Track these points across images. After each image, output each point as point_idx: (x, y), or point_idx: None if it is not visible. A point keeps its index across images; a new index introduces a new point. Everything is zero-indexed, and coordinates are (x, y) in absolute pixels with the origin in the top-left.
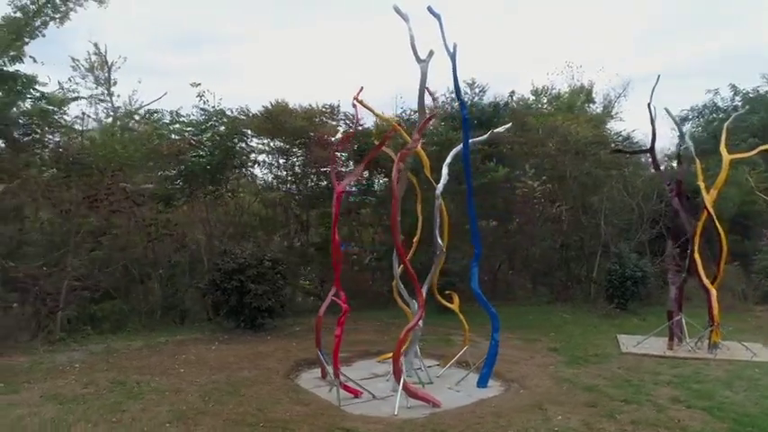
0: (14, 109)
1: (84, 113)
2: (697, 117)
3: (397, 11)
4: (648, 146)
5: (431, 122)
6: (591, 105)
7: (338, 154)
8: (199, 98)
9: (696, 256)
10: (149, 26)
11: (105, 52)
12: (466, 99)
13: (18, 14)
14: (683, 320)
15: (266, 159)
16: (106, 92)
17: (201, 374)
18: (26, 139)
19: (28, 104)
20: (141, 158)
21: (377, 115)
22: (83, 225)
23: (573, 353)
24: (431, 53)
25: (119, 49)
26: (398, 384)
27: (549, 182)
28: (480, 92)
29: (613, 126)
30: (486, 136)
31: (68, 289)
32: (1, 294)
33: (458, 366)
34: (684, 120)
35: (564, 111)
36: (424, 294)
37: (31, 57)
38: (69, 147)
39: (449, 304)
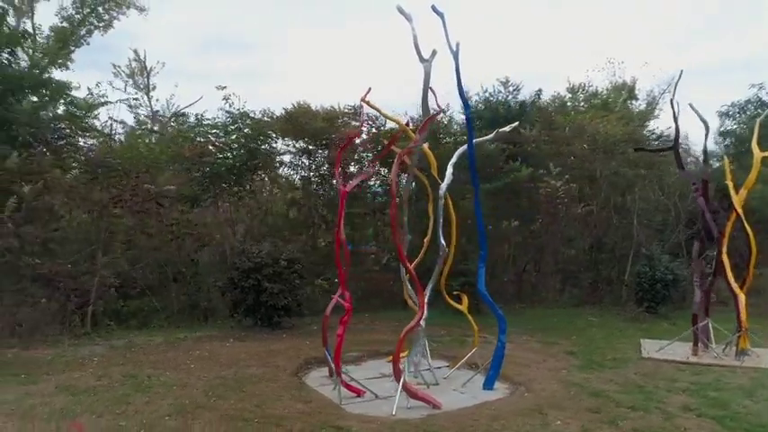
0: (46, 113)
1: (110, 118)
2: (739, 113)
3: (401, 11)
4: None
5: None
6: (633, 102)
7: (363, 154)
8: (225, 101)
9: (724, 258)
10: (194, 32)
11: (144, 58)
12: (500, 98)
13: (65, 24)
14: (710, 326)
15: (292, 160)
16: (145, 96)
17: (210, 370)
18: (60, 142)
19: (60, 109)
20: (165, 161)
21: (384, 116)
22: (112, 225)
23: (590, 357)
24: (434, 53)
25: (167, 55)
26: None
27: (574, 181)
28: (514, 90)
29: (657, 124)
30: (491, 135)
31: (97, 286)
32: (29, 290)
33: (468, 368)
34: (725, 115)
35: (599, 108)
36: (428, 295)
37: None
38: (96, 150)
39: (457, 305)
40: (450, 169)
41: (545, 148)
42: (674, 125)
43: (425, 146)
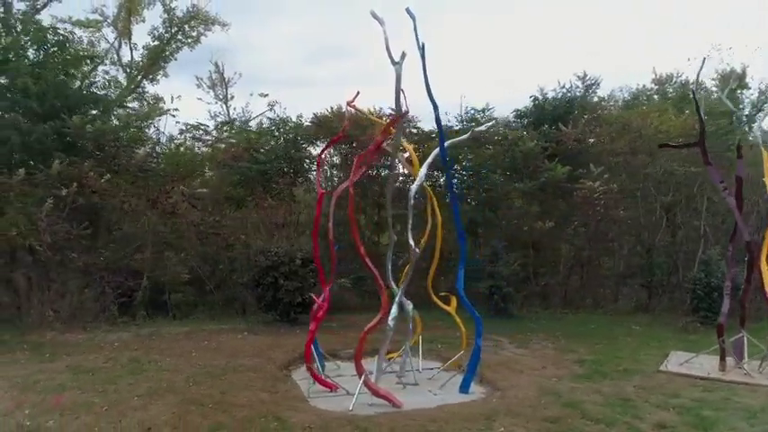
0: (93, 125)
1: (157, 128)
2: None
3: (374, 15)
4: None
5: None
6: (744, 92)
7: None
8: (269, 108)
9: (762, 264)
10: (305, 40)
11: (223, 70)
12: (576, 93)
13: (156, 43)
14: (745, 339)
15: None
16: (224, 105)
17: (207, 359)
18: (112, 149)
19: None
20: (199, 165)
21: (371, 119)
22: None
23: (598, 367)
24: (403, 55)
25: (280, 63)
26: (374, 380)
27: (615, 181)
28: (593, 84)
29: None
30: (467, 135)
31: (134, 278)
32: (71, 281)
33: (460, 371)
34: None
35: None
36: (400, 295)
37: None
38: (137, 156)
39: (445, 306)
40: (423, 170)
41: (585, 146)
42: (698, 117)
43: (411, 147)
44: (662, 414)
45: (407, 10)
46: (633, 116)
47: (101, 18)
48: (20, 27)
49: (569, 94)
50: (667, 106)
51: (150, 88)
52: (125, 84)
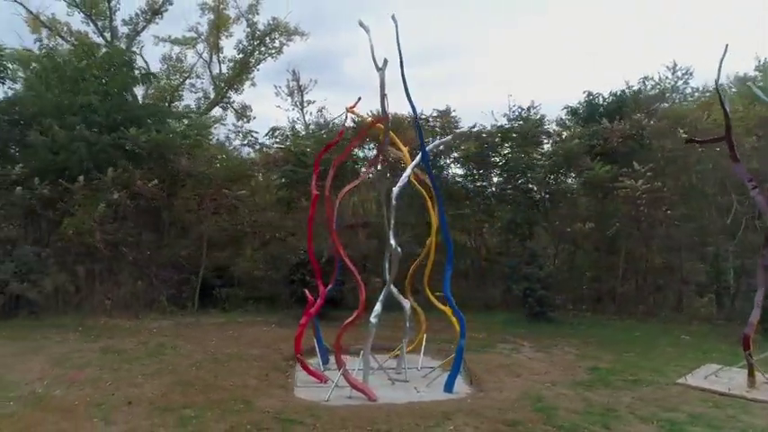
0: (149, 135)
1: (214, 136)
2: None
3: (361, 24)
4: None
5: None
6: None
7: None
8: (319, 112)
9: None
10: (407, 42)
11: (298, 78)
12: (668, 85)
13: (240, 55)
14: None
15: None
16: (300, 111)
17: (223, 347)
18: (173, 156)
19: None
20: (247, 169)
21: (368, 124)
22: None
23: (609, 376)
24: (385, 62)
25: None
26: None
27: (663, 179)
28: (685, 74)
29: None
30: (449, 137)
31: (181, 273)
32: (124, 273)
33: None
34: None
35: None
36: (384, 295)
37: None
38: (183, 163)
39: (440, 305)
40: (408, 171)
41: (635, 143)
42: (723, 111)
43: (405, 149)
44: (640, 427)
45: (393, 17)
46: (691, 109)
47: (195, 35)
48: (101, 51)
49: (660, 86)
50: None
51: (237, 97)
52: (213, 95)
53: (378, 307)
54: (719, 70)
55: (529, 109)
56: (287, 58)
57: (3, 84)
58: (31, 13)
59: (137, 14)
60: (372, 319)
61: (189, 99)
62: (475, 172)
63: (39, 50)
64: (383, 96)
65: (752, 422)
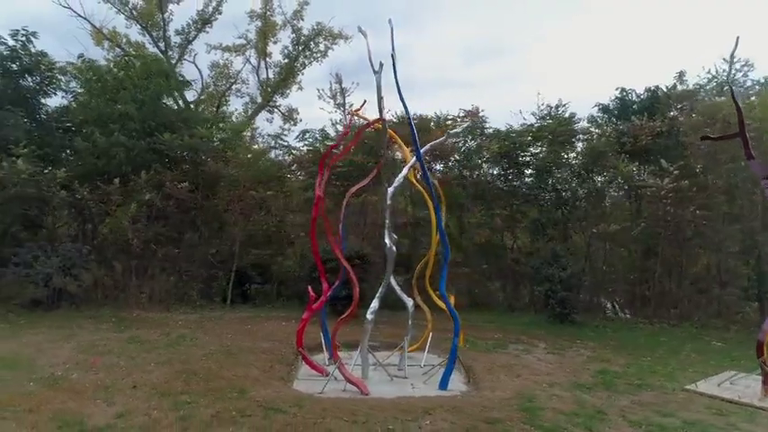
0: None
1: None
2: None
3: (360, 30)
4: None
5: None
6: None
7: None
8: (350, 115)
9: None
10: (459, 42)
11: (341, 81)
12: (726, 77)
13: (286, 61)
14: None
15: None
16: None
17: (238, 340)
18: (202, 159)
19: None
20: (275, 171)
21: (375, 128)
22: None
23: (614, 379)
24: (381, 65)
25: (435, 66)
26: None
27: (693, 177)
28: (744, 66)
29: None
30: (442, 138)
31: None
32: (160, 270)
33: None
34: None
35: None
36: (382, 292)
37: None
38: (212, 166)
39: (442, 304)
40: (404, 171)
41: (663, 141)
42: (735, 106)
43: (407, 150)
44: (626, 430)
45: (390, 21)
46: (726, 104)
47: (245, 42)
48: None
49: (717, 78)
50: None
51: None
52: (260, 99)
53: (374, 304)
54: (731, 63)
55: (557, 107)
56: (342, 61)
57: (55, 94)
58: (94, 26)
59: (188, 24)
60: (369, 316)
61: (237, 104)
62: (507, 171)
63: (82, 63)
64: (380, 99)
65: (750, 430)
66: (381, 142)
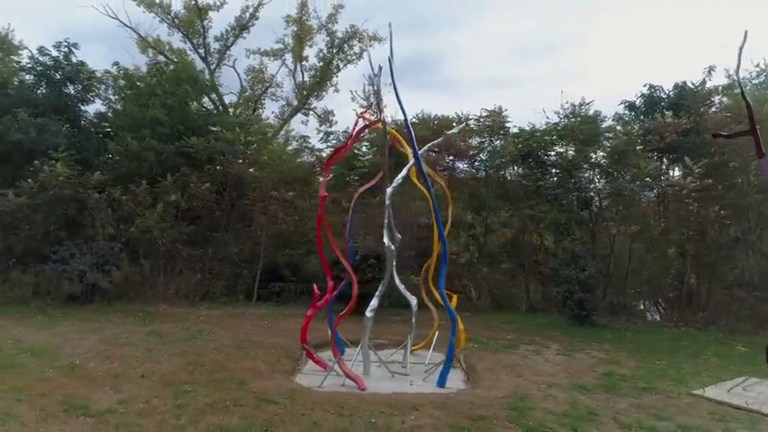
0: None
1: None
2: None
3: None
4: None
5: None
6: None
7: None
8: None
9: None
10: (508, 40)
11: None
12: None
13: (321, 64)
14: None
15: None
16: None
17: (250, 335)
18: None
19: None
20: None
21: (386, 130)
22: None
23: (622, 382)
24: (380, 69)
25: (483, 65)
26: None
27: (714, 176)
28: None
29: None
30: (439, 139)
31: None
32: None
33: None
34: None
35: None
36: (382, 290)
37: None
38: (236, 168)
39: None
40: (404, 171)
41: (688, 139)
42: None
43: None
44: (607, 428)
45: (389, 25)
46: (757, 100)
47: (283, 46)
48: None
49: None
50: None
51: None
52: (295, 103)
53: (374, 302)
54: (739, 58)
55: (580, 105)
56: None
57: (93, 102)
58: (140, 35)
59: (226, 30)
60: (368, 313)
61: (274, 107)
62: (531, 171)
63: (117, 71)
64: (379, 101)
65: None
66: (384, 143)
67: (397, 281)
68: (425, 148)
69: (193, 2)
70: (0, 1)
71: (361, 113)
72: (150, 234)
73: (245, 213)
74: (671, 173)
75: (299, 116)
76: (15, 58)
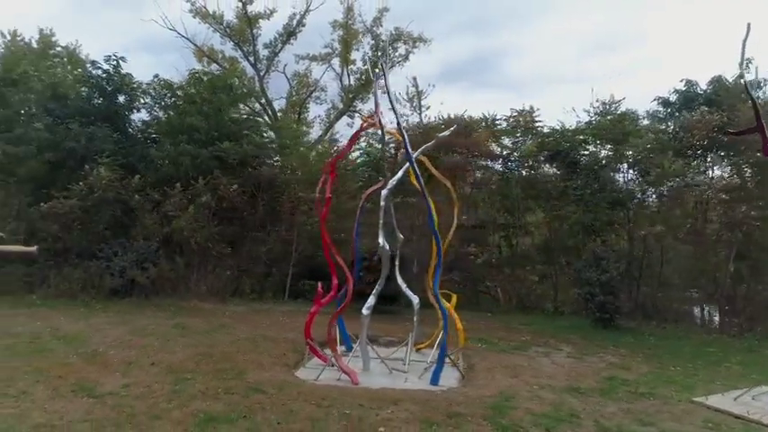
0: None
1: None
2: None
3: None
4: None
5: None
6: None
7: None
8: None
9: None
10: (574, 37)
11: (417, 84)
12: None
13: (366, 67)
14: None
15: None
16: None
17: (265, 330)
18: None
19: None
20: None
21: (389, 132)
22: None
23: (623, 387)
24: (378, 74)
25: (548, 62)
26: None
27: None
28: None
29: None
30: (431, 143)
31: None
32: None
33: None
34: None
35: None
36: (379, 289)
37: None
38: (264, 171)
39: (445, 302)
40: (399, 174)
41: (715, 136)
42: (751, 100)
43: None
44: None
45: (390, 32)
46: None
47: (331, 51)
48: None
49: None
50: None
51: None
52: (341, 106)
53: (371, 300)
54: (743, 53)
55: (611, 104)
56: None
57: (138, 111)
58: (196, 45)
59: (275, 38)
60: (364, 311)
61: (319, 110)
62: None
63: (157, 82)
64: (377, 105)
65: None
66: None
67: (400, 280)
68: (420, 150)
69: (244, 11)
70: (71, 17)
71: (366, 118)
72: (184, 233)
73: (276, 214)
74: (710, 172)
75: (345, 119)
76: (81, 71)
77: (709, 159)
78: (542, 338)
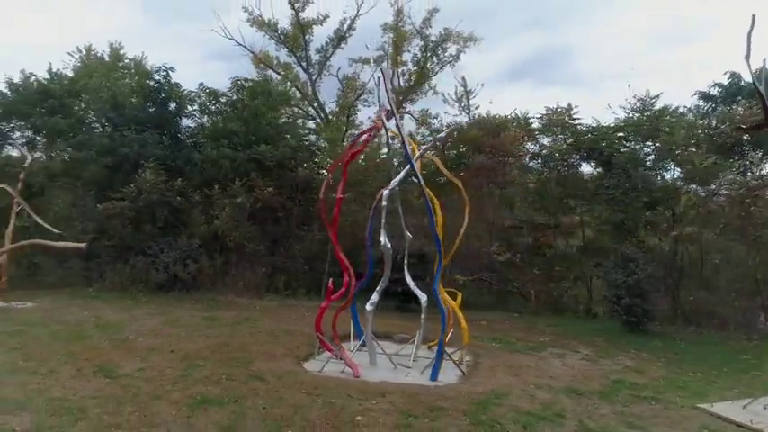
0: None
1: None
2: None
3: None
4: None
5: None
6: None
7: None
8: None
9: None
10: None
11: (465, 84)
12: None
13: (415, 68)
14: None
15: None
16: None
17: (288, 324)
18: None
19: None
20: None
21: (399, 135)
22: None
23: (627, 390)
24: (379, 78)
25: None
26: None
27: None
28: None
29: None
30: (428, 146)
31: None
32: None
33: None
34: None
35: None
36: (382, 287)
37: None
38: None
39: (451, 300)
40: (401, 174)
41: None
42: (756, 91)
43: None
44: None
45: (390, 40)
46: None
47: (383, 53)
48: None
49: None
50: None
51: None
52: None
53: (374, 297)
54: (749, 45)
55: (647, 100)
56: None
57: (186, 117)
58: (253, 53)
59: (326, 42)
60: (368, 307)
61: (369, 112)
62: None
63: (202, 90)
64: (380, 107)
65: None
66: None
67: (408, 278)
68: (419, 154)
69: (297, 18)
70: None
71: (376, 119)
72: (222, 232)
73: (312, 214)
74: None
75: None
76: (136, 81)
77: (750, 156)
78: (563, 340)
